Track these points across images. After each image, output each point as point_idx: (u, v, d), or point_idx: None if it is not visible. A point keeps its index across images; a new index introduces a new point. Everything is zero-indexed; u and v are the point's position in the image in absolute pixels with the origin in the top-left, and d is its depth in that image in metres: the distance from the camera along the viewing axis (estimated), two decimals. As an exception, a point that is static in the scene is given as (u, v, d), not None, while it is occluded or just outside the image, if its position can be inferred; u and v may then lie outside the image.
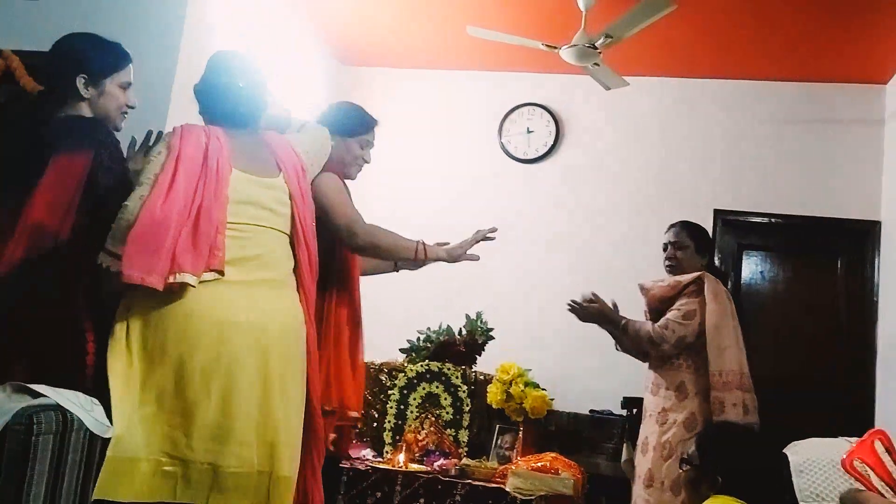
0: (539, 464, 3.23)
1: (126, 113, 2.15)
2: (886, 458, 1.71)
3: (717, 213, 4.55)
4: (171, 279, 1.81)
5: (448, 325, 3.81)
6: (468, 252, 2.57)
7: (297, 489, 1.99)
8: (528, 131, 4.85)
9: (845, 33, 4.00)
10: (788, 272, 4.55)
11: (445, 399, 3.58)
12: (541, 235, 4.73)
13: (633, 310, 3.16)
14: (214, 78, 2.09)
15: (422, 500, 3.10)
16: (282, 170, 2.05)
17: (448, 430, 3.51)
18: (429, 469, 3.21)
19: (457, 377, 3.60)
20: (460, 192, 4.81)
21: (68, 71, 2.04)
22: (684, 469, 2.26)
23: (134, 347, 1.85)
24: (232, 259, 1.90)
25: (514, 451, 3.58)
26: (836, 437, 3.08)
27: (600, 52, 3.69)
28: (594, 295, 3.08)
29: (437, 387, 3.60)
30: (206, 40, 3.44)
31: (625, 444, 3.33)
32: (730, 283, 4.36)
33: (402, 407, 3.58)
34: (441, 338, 3.75)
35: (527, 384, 3.61)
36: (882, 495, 1.60)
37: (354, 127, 2.53)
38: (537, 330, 4.47)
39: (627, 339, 3.02)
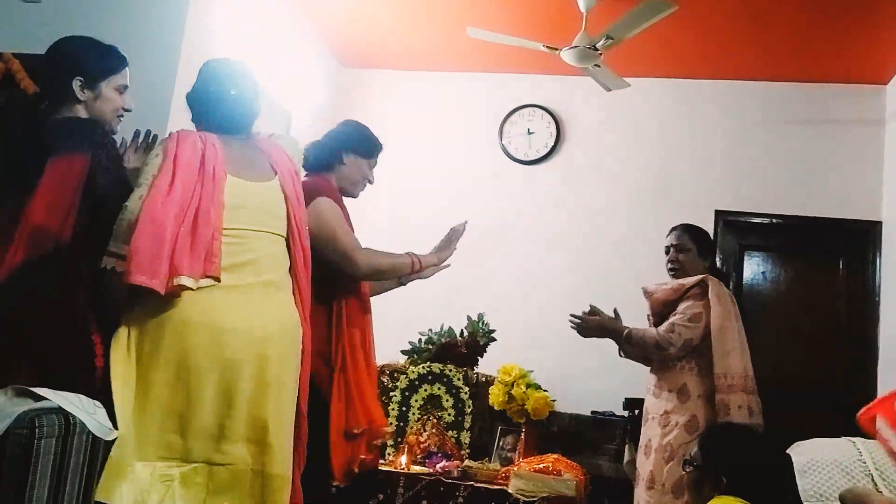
0: (541, 465, 3.23)
1: (122, 116, 2.15)
2: None
3: (718, 213, 4.55)
4: (170, 283, 1.82)
5: (450, 327, 3.81)
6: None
7: None
8: (529, 132, 4.85)
9: (845, 34, 4.00)
10: (790, 272, 4.54)
11: (447, 401, 3.58)
12: (541, 236, 4.73)
13: (634, 311, 3.16)
14: (206, 86, 2.11)
15: (424, 502, 3.10)
16: (277, 173, 2.08)
17: (450, 431, 3.51)
18: (431, 471, 3.21)
19: (458, 379, 3.59)
20: (461, 193, 4.81)
21: (64, 73, 2.04)
22: (687, 470, 2.26)
23: (133, 351, 1.88)
24: (228, 265, 1.92)
25: (516, 452, 3.58)
26: (837, 437, 3.08)
27: (601, 54, 3.69)
28: (593, 308, 3.07)
29: (439, 388, 3.60)
30: (206, 42, 3.44)
31: (627, 446, 3.33)
32: (731, 283, 4.37)
33: (403, 409, 3.58)
34: (442, 339, 3.75)
35: (528, 386, 3.61)
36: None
37: (370, 148, 2.57)
38: (537, 330, 4.47)
39: (632, 347, 3.01)
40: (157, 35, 3.26)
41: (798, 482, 2.82)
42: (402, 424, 3.55)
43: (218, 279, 1.89)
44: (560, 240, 4.70)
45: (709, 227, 3.96)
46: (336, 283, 2.35)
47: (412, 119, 4.92)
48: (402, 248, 2.50)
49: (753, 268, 4.59)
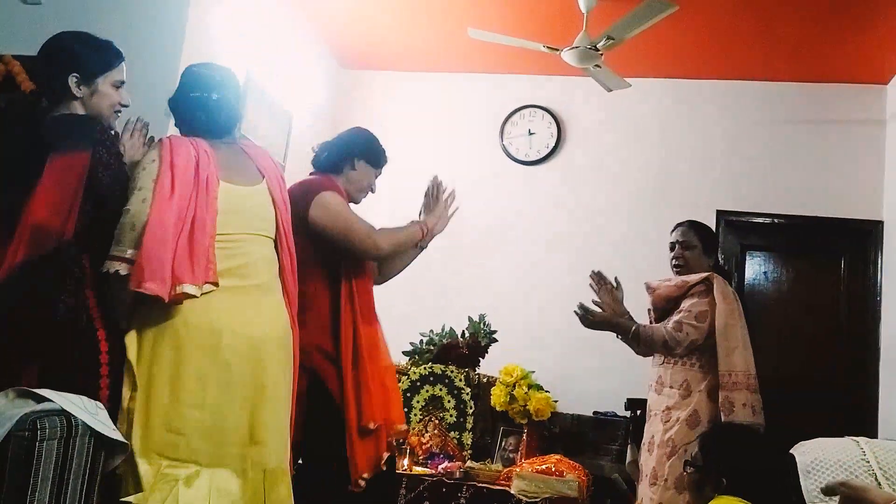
0: (543, 466, 3.23)
1: (119, 112, 2.14)
2: None
3: (719, 213, 4.55)
4: (173, 291, 1.87)
5: (451, 328, 3.81)
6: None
7: None
8: (530, 133, 4.85)
9: (846, 34, 4.00)
10: (791, 272, 4.54)
11: (449, 402, 3.57)
12: (542, 236, 4.73)
13: (634, 309, 3.15)
14: (188, 91, 2.14)
15: (426, 503, 3.10)
16: (264, 177, 2.14)
17: (452, 432, 3.51)
18: (433, 472, 3.21)
19: (460, 380, 3.59)
20: (462, 193, 4.71)
21: (60, 70, 2.02)
22: (688, 471, 2.25)
23: (136, 354, 1.92)
24: (223, 269, 1.97)
25: (518, 453, 3.57)
26: (838, 436, 3.08)
27: (601, 54, 3.69)
28: (599, 274, 3.07)
29: (441, 389, 3.59)
30: (207, 43, 3.44)
31: (629, 446, 3.32)
32: (733, 283, 4.36)
33: (405, 410, 3.58)
34: (444, 340, 3.75)
35: (530, 386, 3.61)
36: None
37: (380, 157, 2.62)
38: (539, 331, 4.47)
39: (638, 344, 3.00)
40: (157, 36, 3.27)
41: (802, 483, 2.81)
42: (407, 433, 3.55)
43: (216, 284, 1.95)
44: (561, 240, 4.70)
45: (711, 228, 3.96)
46: (343, 279, 2.37)
47: (413, 120, 4.92)
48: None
49: (755, 268, 4.59)
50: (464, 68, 4.89)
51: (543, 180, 4.81)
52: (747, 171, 4.59)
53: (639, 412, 3.40)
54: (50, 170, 1.88)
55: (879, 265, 4.36)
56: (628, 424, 3.71)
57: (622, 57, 4.04)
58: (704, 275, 2.97)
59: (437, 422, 3.51)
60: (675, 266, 3.07)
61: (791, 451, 2.97)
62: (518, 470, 3.17)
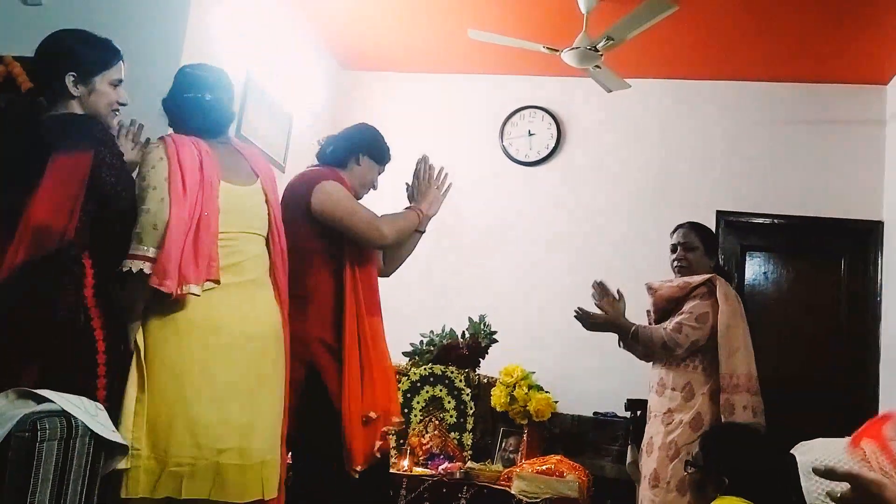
0: (544, 466, 3.23)
1: (117, 110, 2.14)
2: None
3: (718, 214, 4.55)
4: (179, 289, 1.92)
5: (451, 329, 3.81)
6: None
7: None
8: (530, 134, 4.85)
9: (845, 34, 4.00)
10: (791, 273, 4.54)
11: (449, 402, 3.57)
12: (542, 237, 4.73)
13: (634, 310, 3.15)
14: (181, 91, 2.16)
15: (426, 504, 3.10)
16: (258, 176, 2.18)
17: (452, 433, 3.51)
18: (433, 473, 3.21)
19: (460, 380, 3.59)
20: (461, 194, 4.78)
21: (57, 69, 2.02)
22: (689, 471, 2.25)
23: (143, 351, 1.96)
24: (222, 267, 2.02)
25: (519, 453, 3.57)
26: (838, 437, 3.07)
27: (601, 55, 3.69)
28: (602, 284, 3.07)
29: (441, 390, 3.59)
30: (207, 44, 3.44)
31: (629, 447, 3.32)
32: (733, 284, 4.36)
33: (405, 410, 3.57)
34: (444, 341, 3.75)
35: (530, 387, 3.60)
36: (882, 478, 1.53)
37: (385, 155, 2.63)
38: (539, 331, 4.47)
39: (638, 345, 3.00)
40: (158, 37, 3.27)
41: (803, 483, 2.81)
42: (404, 426, 3.54)
43: (218, 282, 2.00)
44: (560, 240, 4.70)
45: (710, 228, 3.96)
46: (347, 269, 2.37)
47: (413, 120, 4.92)
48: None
49: (754, 268, 4.59)
50: (464, 69, 4.89)
51: (543, 181, 4.82)
52: (747, 172, 4.59)
53: (639, 413, 3.40)
54: (52, 170, 1.88)
55: (879, 265, 4.36)
56: (628, 425, 3.71)
57: (622, 58, 4.05)
58: (707, 276, 2.96)
59: (437, 422, 3.51)
60: (677, 268, 3.06)
61: (791, 452, 2.97)
62: (518, 470, 3.17)
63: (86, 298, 1.90)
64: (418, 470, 3.26)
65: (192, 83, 2.16)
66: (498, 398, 3.61)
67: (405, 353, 3.80)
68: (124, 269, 1.92)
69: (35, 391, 1.72)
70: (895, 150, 4.33)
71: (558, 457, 3.40)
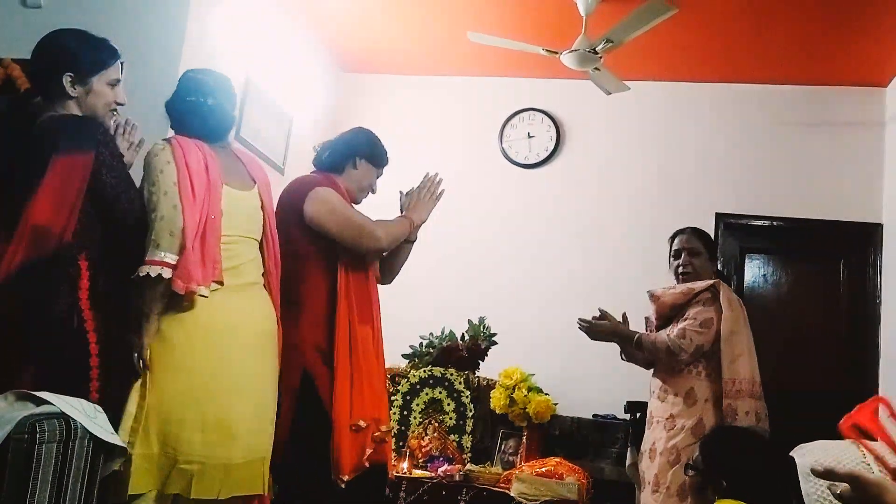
0: (543, 469, 3.23)
1: (115, 110, 2.14)
2: (889, 424, 1.66)
3: (718, 216, 4.55)
4: (187, 290, 1.97)
5: (451, 331, 3.81)
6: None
7: None
8: (529, 136, 4.85)
9: (845, 36, 4.00)
10: (791, 275, 4.54)
11: (449, 404, 3.57)
12: (541, 239, 4.73)
13: (634, 315, 3.15)
14: (184, 96, 2.19)
15: (426, 506, 3.09)
16: (256, 182, 2.23)
17: (452, 435, 3.51)
18: (433, 475, 3.21)
19: (460, 382, 3.59)
20: (461, 196, 4.81)
21: (55, 69, 2.02)
22: (689, 475, 2.25)
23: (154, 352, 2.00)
24: (224, 269, 2.07)
25: (518, 456, 3.57)
26: (839, 439, 3.07)
27: (601, 57, 3.69)
28: (603, 312, 3.06)
29: (441, 392, 3.59)
30: (207, 47, 3.45)
31: (629, 449, 3.32)
32: (732, 286, 4.36)
33: (405, 413, 3.58)
34: (444, 343, 3.75)
35: (530, 389, 3.60)
36: (884, 460, 1.50)
37: (382, 158, 2.63)
38: (538, 334, 4.47)
39: (641, 352, 2.98)
40: (158, 40, 3.27)
41: (802, 486, 2.81)
42: (403, 428, 3.55)
43: (222, 283, 2.04)
44: (560, 243, 4.70)
45: (710, 230, 3.96)
46: (340, 275, 2.37)
47: (413, 123, 4.93)
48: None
49: (754, 270, 4.59)
50: (463, 71, 4.90)
51: (542, 183, 4.82)
52: (746, 174, 4.59)
53: (638, 415, 3.40)
54: (52, 171, 1.89)
55: (879, 267, 4.36)
56: (628, 427, 3.71)
57: (621, 60, 4.05)
58: (710, 282, 2.95)
59: (436, 425, 3.51)
60: (681, 273, 3.04)
61: (791, 454, 2.97)
62: (518, 472, 3.17)
63: (80, 300, 1.90)
64: (418, 472, 3.26)
65: (195, 87, 2.18)
66: (497, 400, 3.61)
67: (405, 356, 3.80)
68: (142, 274, 1.94)
69: (34, 393, 1.73)
70: (894, 152, 4.33)
71: (558, 459, 3.40)
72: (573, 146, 4.83)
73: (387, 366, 3.66)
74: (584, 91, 4.48)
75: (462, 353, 3.70)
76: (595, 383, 4.25)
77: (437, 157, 4.93)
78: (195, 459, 1.94)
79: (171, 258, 1.94)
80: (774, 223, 4.54)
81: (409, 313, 4.13)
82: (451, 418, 3.55)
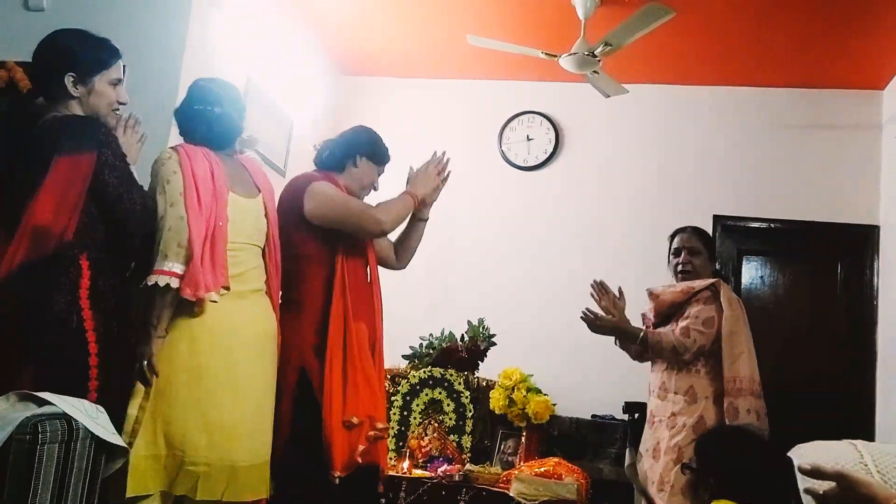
0: (542, 469, 3.24)
1: (118, 110, 2.15)
2: None
3: (716, 218, 4.56)
4: (198, 297, 2.00)
5: (450, 332, 3.82)
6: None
7: None
8: (528, 139, 4.87)
9: (842, 40, 4.02)
10: (788, 277, 4.56)
11: (448, 405, 3.58)
12: (540, 241, 4.75)
13: (632, 314, 3.16)
14: (192, 104, 2.22)
15: (425, 507, 3.10)
16: (260, 191, 2.26)
17: (451, 435, 3.52)
18: (432, 475, 3.22)
19: (459, 383, 3.60)
20: (460, 198, 4.82)
21: (56, 69, 2.02)
22: (685, 473, 2.26)
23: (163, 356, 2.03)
24: (230, 275, 2.10)
25: (518, 456, 3.58)
26: (836, 439, 3.08)
27: (599, 60, 3.71)
28: (602, 284, 3.07)
29: (440, 393, 3.61)
30: (208, 51, 3.46)
31: (627, 449, 3.33)
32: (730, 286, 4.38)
33: (405, 413, 3.59)
34: (443, 344, 3.76)
35: (529, 389, 3.61)
36: None
37: (383, 155, 2.63)
38: (538, 335, 4.48)
39: (645, 349, 2.99)
40: (159, 41, 3.28)
41: (799, 485, 2.81)
42: (403, 429, 3.56)
43: (228, 288, 2.08)
44: (559, 245, 4.72)
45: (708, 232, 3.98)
46: (338, 273, 2.38)
47: (412, 126, 4.93)
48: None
49: (752, 272, 4.60)
50: (463, 74, 4.91)
51: (541, 185, 4.83)
52: (744, 176, 4.60)
53: (637, 415, 3.40)
54: (54, 171, 1.89)
55: (876, 269, 4.38)
56: (627, 428, 3.71)
57: (620, 63, 4.07)
58: (710, 281, 2.96)
59: (436, 425, 3.52)
60: (681, 272, 3.05)
61: (788, 454, 2.97)
62: (517, 473, 3.18)
63: (80, 300, 1.90)
64: (417, 472, 3.27)
65: (203, 96, 2.22)
66: (497, 401, 3.62)
67: (405, 356, 3.81)
68: (150, 283, 1.96)
69: (36, 394, 1.73)
70: (891, 154, 4.34)
71: (557, 459, 3.40)
72: (572, 149, 4.85)
73: (387, 366, 3.68)
74: (582, 94, 4.49)
75: (462, 353, 3.71)
76: (594, 384, 4.26)
77: (436, 159, 4.96)
78: (201, 461, 1.97)
79: (179, 268, 1.97)
80: (772, 225, 4.55)
81: (408, 314, 4.14)
82: (450, 419, 3.56)
